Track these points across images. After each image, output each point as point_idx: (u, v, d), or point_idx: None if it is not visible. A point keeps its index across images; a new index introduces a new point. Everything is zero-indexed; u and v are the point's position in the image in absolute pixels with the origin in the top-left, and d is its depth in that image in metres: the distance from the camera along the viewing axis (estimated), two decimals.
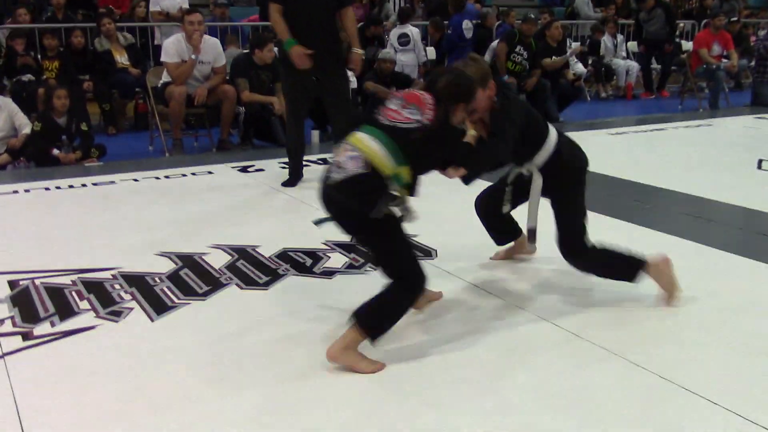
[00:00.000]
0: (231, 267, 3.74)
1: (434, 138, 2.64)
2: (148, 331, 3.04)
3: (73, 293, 3.41)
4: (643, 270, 3.21)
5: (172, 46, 7.02)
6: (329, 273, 3.69)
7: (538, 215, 3.31)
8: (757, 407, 2.45)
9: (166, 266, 3.74)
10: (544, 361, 2.80)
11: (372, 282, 3.55)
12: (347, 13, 5.34)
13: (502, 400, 2.52)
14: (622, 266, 3.25)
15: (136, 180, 5.69)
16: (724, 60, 10.66)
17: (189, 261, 3.81)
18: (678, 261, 3.26)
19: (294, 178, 5.52)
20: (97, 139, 6.94)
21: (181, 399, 2.53)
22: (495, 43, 9.01)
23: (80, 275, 3.62)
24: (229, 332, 3.03)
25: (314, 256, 3.90)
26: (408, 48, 9.73)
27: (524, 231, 3.54)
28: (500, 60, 8.70)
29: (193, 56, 6.95)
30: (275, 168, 6.07)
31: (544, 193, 3.28)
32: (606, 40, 11.80)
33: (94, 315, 3.18)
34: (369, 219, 2.57)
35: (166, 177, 5.82)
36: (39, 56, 8.27)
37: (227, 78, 7.45)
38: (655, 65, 12.02)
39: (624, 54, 12.02)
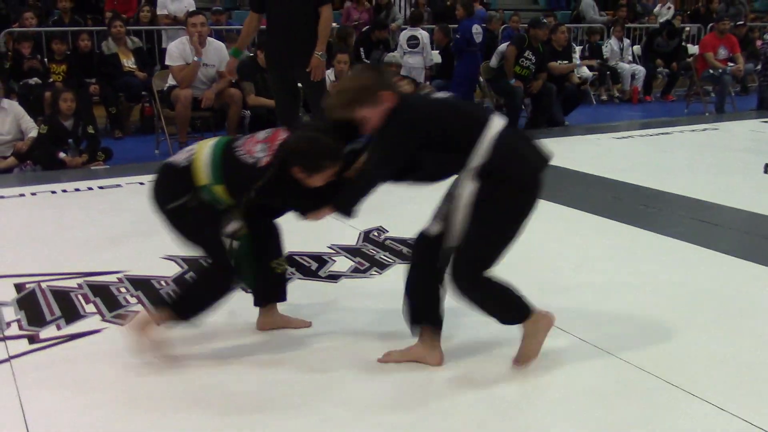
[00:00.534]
0: None
1: (256, 179, 2.58)
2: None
3: (80, 296, 3.42)
4: (524, 321, 2.68)
5: (176, 49, 7.06)
6: (335, 277, 3.70)
7: (461, 232, 2.54)
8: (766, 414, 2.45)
9: (172, 270, 3.74)
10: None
11: (378, 285, 3.57)
12: (322, 12, 5.35)
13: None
14: (508, 309, 2.68)
15: (142, 183, 5.69)
16: (730, 64, 10.64)
17: (195, 265, 3.81)
18: (683, 265, 3.27)
19: None
20: (104, 142, 6.96)
21: (188, 403, 2.53)
22: (503, 46, 9.02)
23: (86, 278, 3.63)
24: (234, 335, 3.03)
25: (320, 259, 3.90)
26: (416, 50, 9.77)
27: None
28: (509, 63, 8.70)
29: (195, 58, 6.98)
30: None
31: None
32: (612, 43, 11.79)
33: (100, 318, 3.19)
34: (163, 206, 2.72)
35: None
36: (46, 59, 8.31)
37: (233, 81, 7.46)
38: (661, 69, 12.01)
39: (630, 58, 12.01)
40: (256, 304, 3.07)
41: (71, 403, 2.53)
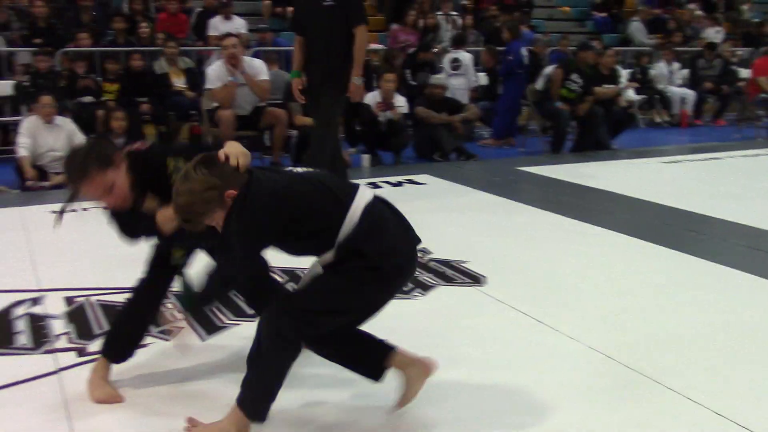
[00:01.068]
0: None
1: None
2: (198, 351, 3.07)
3: None
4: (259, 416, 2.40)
5: (213, 72, 7.27)
6: None
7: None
8: None
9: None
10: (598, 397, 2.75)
11: (420, 306, 3.56)
12: (356, 34, 5.26)
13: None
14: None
15: None
16: None
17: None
18: (733, 293, 3.19)
19: None
20: None
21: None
22: (550, 68, 8.99)
23: None
24: None
25: None
26: (460, 72, 9.81)
27: None
28: (555, 86, 8.67)
29: (231, 78, 7.11)
30: None
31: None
32: (662, 66, 11.66)
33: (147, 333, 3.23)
34: None
35: None
36: (100, 79, 8.51)
37: (281, 101, 7.57)
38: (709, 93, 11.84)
39: (679, 81, 11.86)
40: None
41: (118, 416, 2.56)
